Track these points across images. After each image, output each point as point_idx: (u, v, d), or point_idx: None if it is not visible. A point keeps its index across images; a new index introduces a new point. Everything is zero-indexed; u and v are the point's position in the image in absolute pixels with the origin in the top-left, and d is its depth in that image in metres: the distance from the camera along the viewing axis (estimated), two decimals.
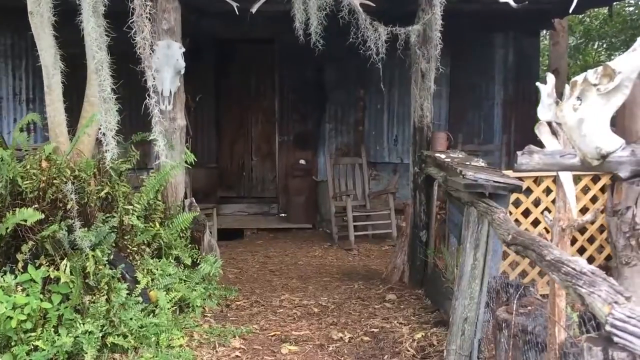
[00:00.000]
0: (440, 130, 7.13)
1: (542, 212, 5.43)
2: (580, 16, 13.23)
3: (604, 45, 13.94)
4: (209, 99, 8.28)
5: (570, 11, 4.81)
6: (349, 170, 7.91)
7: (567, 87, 3.43)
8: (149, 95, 3.62)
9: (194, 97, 8.16)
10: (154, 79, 3.53)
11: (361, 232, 7.50)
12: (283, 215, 8.36)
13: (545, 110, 3.21)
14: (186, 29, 7.74)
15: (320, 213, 8.28)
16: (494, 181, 3.38)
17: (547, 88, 3.21)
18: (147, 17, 3.56)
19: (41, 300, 3.61)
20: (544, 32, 10.36)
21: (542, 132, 3.15)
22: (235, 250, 7.16)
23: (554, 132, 3.30)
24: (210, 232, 5.39)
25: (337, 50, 7.89)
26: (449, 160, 4.45)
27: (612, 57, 14.41)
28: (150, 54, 3.59)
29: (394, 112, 8.41)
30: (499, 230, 2.52)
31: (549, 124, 3.34)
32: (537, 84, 3.31)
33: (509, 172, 4.53)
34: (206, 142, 8.35)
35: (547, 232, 5.67)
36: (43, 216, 3.70)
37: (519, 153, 2.41)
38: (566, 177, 3.12)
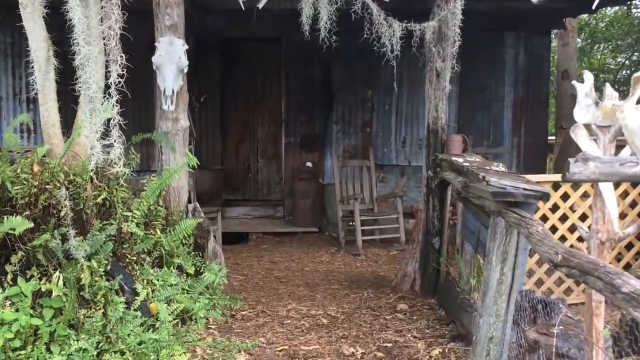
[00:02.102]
0: (451, 131, 6.76)
1: (559, 219, 5.09)
2: (586, 18, 12.88)
3: (610, 48, 13.55)
4: (213, 99, 7.95)
5: (594, 7, 4.44)
6: (357, 173, 7.55)
7: (608, 87, 3.03)
8: (109, 94, 3.24)
9: (199, 97, 7.85)
10: (118, 76, 3.14)
11: (368, 236, 7.15)
12: (289, 218, 8.01)
13: (583, 112, 2.85)
14: (191, 27, 7.38)
15: (326, 216, 7.92)
16: (524, 189, 3.02)
17: (584, 87, 2.85)
18: (117, 3, 3.19)
19: (31, 315, 3.26)
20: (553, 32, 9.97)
21: (579, 136, 2.79)
22: (240, 255, 6.81)
23: (593, 136, 2.93)
24: (215, 238, 5.04)
25: (345, 49, 7.56)
26: (467, 164, 4.09)
27: (618, 60, 14.04)
28: (116, 45, 3.21)
29: (402, 113, 8.05)
30: (541, 247, 2.16)
31: (587, 126, 2.97)
32: (574, 82, 2.95)
33: (530, 177, 4.18)
34: (211, 143, 7.99)
35: (565, 240, 5.32)
36: (32, 225, 3.34)
37: (571, 160, 2.05)
38: (606, 185, 2.76)
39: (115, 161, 3.22)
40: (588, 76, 2.88)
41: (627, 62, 13.26)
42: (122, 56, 3.24)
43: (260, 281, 5.79)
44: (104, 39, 3.19)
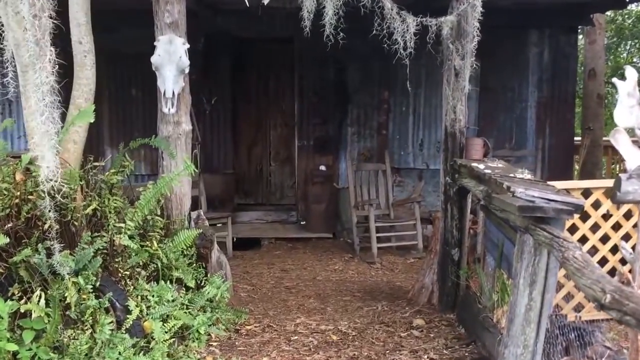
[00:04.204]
0: (470, 134, 6.33)
1: (590, 228, 4.63)
2: (612, 14, 12.28)
3: (637, 45, 12.92)
4: (224, 101, 7.60)
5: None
6: (372, 177, 7.16)
7: None
8: (39, 98, 2.77)
9: (210, 99, 7.53)
10: (47, 75, 2.73)
11: (384, 243, 6.75)
12: (302, 223, 7.64)
13: (625, 114, 2.42)
14: (201, 27, 7.09)
15: (341, 221, 7.54)
16: (555, 201, 2.61)
17: (627, 86, 2.42)
18: None
19: (9, 339, 2.94)
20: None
21: (620, 142, 2.36)
22: (251, 262, 6.47)
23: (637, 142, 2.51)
24: (221, 246, 4.70)
25: (361, 49, 7.18)
26: (489, 172, 3.68)
27: None
28: (44, 37, 2.80)
29: (420, 115, 7.63)
30: (581, 279, 1.76)
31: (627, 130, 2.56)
32: (614, 80, 2.53)
33: (558, 184, 3.75)
34: (222, 146, 7.66)
35: (597, 251, 4.85)
36: (12, 239, 3.02)
37: (623, 177, 1.65)
38: None
39: (49, 177, 2.85)
40: (631, 72, 2.45)
41: None
42: (51, 51, 2.86)
43: (269, 291, 5.44)
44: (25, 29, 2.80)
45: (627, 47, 13.29)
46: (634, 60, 13.28)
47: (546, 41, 7.52)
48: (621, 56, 13.50)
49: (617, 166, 8.94)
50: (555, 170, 7.35)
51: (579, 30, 8.89)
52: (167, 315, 3.73)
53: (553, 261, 2.58)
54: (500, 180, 3.23)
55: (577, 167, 8.47)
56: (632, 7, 12.04)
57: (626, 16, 12.51)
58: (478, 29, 3.92)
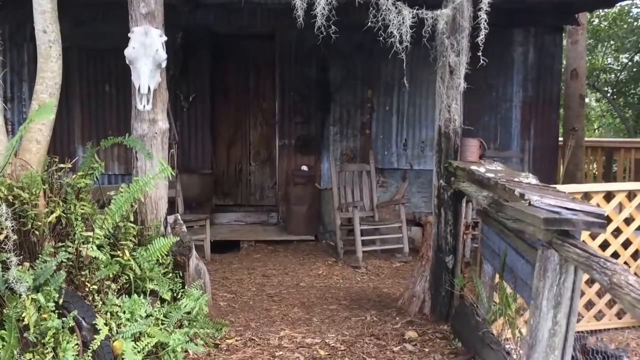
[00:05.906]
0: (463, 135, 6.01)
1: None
2: (588, 16, 12.13)
3: (613, 47, 12.81)
4: (203, 98, 7.17)
5: None
6: (356, 178, 6.79)
7: None
8: None
9: (187, 96, 7.09)
10: None
11: (369, 246, 6.39)
12: (283, 225, 7.24)
13: None
14: (179, 21, 6.63)
15: (323, 223, 7.17)
16: (580, 212, 2.27)
17: None
18: None
19: None
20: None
21: None
22: (230, 267, 6.05)
23: None
24: (198, 257, 4.27)
25: (344, 47, 6.82)
26: (492, 175, 3.34)
27: (620, 60, 13.29)
28: None
29: (404, 114, 7.29)
30: None
31: None
32: None
33: (561, 188, 3.44)
34: (200, 145, 7.21)
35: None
36: None
37: None
38: None
39: None
40: None
41: (629, 62, 12.51)
42: None
43: (250, 300, 5.03)
44: None
45: (604, 49, 13.17)
46: (609, 61, 13.20)
47: (531, 41, 7.26)
48: (596, 58, 13.39)
49: (594, 166, 8.75)
50: (540, 172, 7.04)
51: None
52: (140, 333, 3.30)
53: (579, 279, 2.24)
54: (509, 186, 2.88)
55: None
56: (609, 9, 11.90)
57: (602, 18, 12.39)
58: (486, 21, 3.55)
